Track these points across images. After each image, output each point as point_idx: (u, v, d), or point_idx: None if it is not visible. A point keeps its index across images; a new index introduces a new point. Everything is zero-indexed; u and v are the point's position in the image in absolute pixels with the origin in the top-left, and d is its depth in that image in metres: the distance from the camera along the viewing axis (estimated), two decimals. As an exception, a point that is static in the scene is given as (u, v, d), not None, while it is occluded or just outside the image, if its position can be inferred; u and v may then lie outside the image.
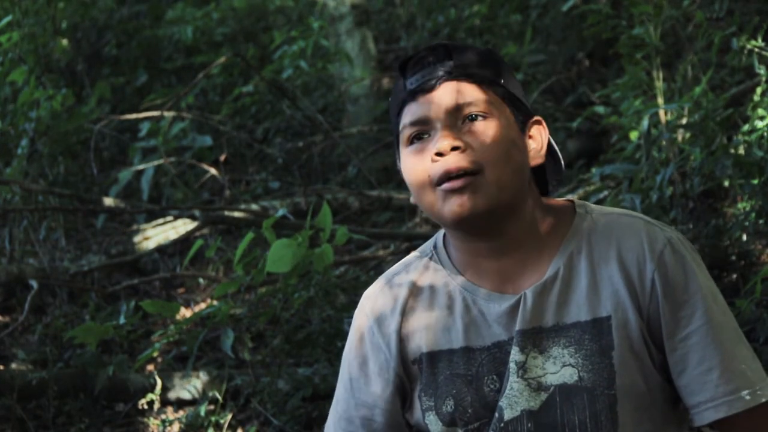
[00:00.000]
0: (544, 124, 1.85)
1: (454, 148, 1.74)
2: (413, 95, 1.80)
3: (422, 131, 1.78)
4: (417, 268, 1.88)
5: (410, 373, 1.85)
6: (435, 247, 1.89)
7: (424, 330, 1.84)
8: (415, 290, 1.86)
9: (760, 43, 4.11)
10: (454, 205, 1.74)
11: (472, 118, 1.76)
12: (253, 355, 4.30)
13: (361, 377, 1.89)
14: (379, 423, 1.88)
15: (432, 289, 1.85)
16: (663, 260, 1.75)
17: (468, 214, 1.74)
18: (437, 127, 1.77)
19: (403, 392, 1.87)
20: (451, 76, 1.78)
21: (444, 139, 1.75)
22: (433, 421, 1.83)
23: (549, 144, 1.86)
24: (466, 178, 1.73)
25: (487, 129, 1.76)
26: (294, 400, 3.97)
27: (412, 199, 1.85)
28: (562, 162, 1.89)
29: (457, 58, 1.80)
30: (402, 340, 1.85)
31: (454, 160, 1.74)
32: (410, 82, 1.80)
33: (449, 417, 1.81)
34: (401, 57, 8.13)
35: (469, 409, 1.80)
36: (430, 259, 1.88)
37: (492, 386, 1.79)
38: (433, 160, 1.75)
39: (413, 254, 1.92)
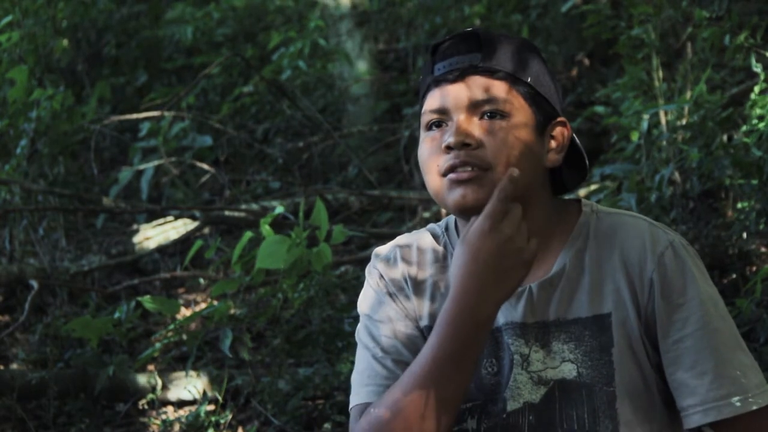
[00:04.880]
0: (568, 125, 1.84)
1: (465, 144, 1.75)
2: (437, 82, 1.80)
3: (440, 120, 1.79)
4: (427, 244, 1.90)
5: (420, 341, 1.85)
6: (447, 228, 1.90)
7: (429, 305, 1.85)
8: (423, 266, 1.88)
9: (757, 41, 4.11)
10: (457, 195, 1.75)
11: (491, 116, 1.76)
12: (253, 355, 4.30)
13: (388, 327, 1.87)
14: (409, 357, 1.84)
15: (441, 267, 1.87)
16: (663, 261, 1.75)
17: (470, 206, 1.75)
18: (454, 119, 1.77)
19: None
20: (477, 70, 1.78)
21: (456, 134, 1.75)
22: None
23: (574, 144, 1.86)
24: (473, 171, 1.74)
25: (502, 129, 1.76)
26: (294, 400, 3.97)
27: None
28: (587, 161, 1.88)
29: (487, 52, 1.79)
30: (411, 314, 1.86)
31: (463, 157, 1.75)
32: (437, 68, 1.81)
33: None
34: (401, 57, 8.15)
35: None
36: (442, 238, 1.89)
37: (490, 369, 1.80)
38: (444, 152, 1.76)
39: (424, 230, 1.93)
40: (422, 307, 1.86)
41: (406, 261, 1.89)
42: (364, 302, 1.91)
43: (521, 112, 1.78)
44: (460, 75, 1.78)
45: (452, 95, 1.78)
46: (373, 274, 1.91)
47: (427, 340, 1.80)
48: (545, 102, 1.81)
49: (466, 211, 1.77)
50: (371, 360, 1.85)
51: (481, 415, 1.80)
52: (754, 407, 1.72)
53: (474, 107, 1.77)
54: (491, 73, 1.78)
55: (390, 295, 1.88)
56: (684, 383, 1.74)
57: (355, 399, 1.84)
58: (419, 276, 1.87)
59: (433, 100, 1.80)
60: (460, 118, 1.77)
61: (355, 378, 1.87)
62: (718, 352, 1.73)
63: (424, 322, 1.85)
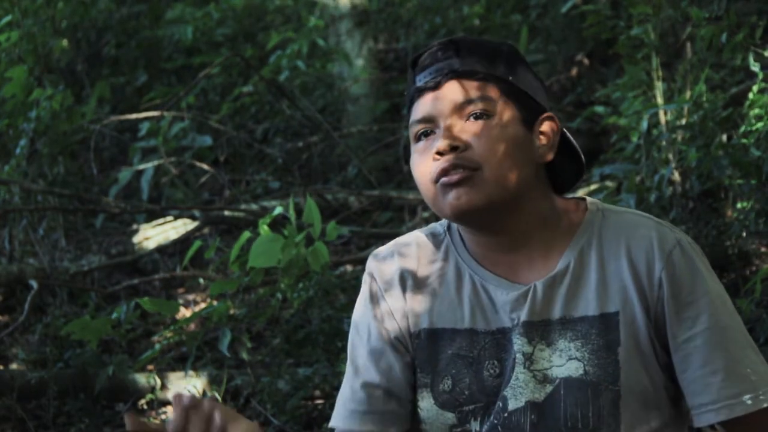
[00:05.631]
0: (556, 120, 1.84)
1: (453, 148, 1.76)
2: (420, 92, 1.82)
3: (428, 129, 1.80)
4: (429, 244, 1.89)
5: (410, 345, 1.86)
6: (449, 227, 1.90)
7: (429, 306, 1.85)
8: (424, 265, 1.88)
9: (756, 41, 4.11)
10: (451, 199, 1.76)
11: (476, 117, 1.77)
12: (253, 355, 4.31)
13: (365, 342, 1.88)
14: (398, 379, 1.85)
15: (441, 267, 1.86)
16: (672, 260, 1.75)
17: (465, 208, 1.75)
18: (440, 126, 1.78)
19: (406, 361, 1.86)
20: (457, 74, 1.79)
21: (444, 139, 1.76)
22: (425, 398, 1.83)
23: (567, 140, 1.86)
24: (464, 172, 1.75)
25: (488, 128, 1.77)
26: (294, 400, 3.97)
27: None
28: (582, 157, 1.89)
29: (465, 56, 1.80)
30: (405, 313, 1.86)
31: (452, 160, 1.76)
32: (418, 79, 1.83)
33: (444, 397, 1.81)
34: (401, 57, 8.16)
35: (466, 391, 1.80)
36: (443, 237, 1.89)
37: (492, 371, 1.80)
38: (434, 159, 1.77)
39: (425, 229, 1.93)
40: (420, 305, 1.85)
41: (404, 257, 1.88)
42: (355, 308, 1.92)
43: (506, 109, 1.79)
44: (440, 81, 1.80)
45: (435, 102, 1.80)
46: (366, 276, 1.91)
47: (426, 344, 1.82)
48: (529, 98, 1.82)
49: (461, 214, 1.77)
50: (346, 378, 1.88)
51: (483, 416, 1.80)
52: (765, 405, 1.72)
53: (458, 110, 1.78)
54: (471, 75, 1.80)
55: (378, 298, 1.88)
56: (695, 382, 1.74)
57: (332, 420, 1.88)
58: (418, 273, 1.87)
59: (417, 111, 1.82)
60: (447, 123, 1.78)
61: (338, 397, 1.90)
62: (729, 350, 1.74)
63: (423, 324, 1.85)
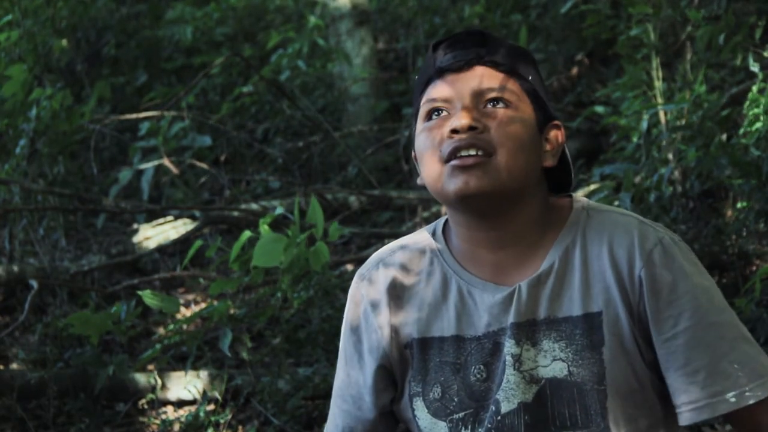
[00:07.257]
0: (562, 129, 1.86)
1: (471, 128, 1.75)
2: (441, 73, 1.81)
3: (443, 108, 1.80)
4: (414, 251, 1.89)
5: (403, 357, 1.86)
6: (434, 233, 1.89)
7: (417, 316, 1.84)
8: (410, 274, 1.87)
9: (756, 41, 4.11)
10: (459, 182, 1.74)
11: (495, 104, 1.78)
12: (253, 354, 4.31)
13: (354, 355, 1.90)
14: (368, 403, 1.89)
15: (427, 274, 1.86)
16: (652, 259, 1.75)
17: (472, 193, 1.74)
18: (458, 107, 1.78)
19: (389, 377, 1.88)
20: (483, 61, 1.80)
21: (463, 118, 1.75)
22: (420, 407, 1.83)
23: (563, 153, 1.87)
24: (478, 157, 1.74)
25: (507, 117, 1.77)
26: (294, 400, 3.97)
27: (419, 180, 1.85)
28: (572, 170, 1.89)
29: (492, 46, 1.81)
30: (394, 325, 1.86)
31: (468, 139, 1.75)
32: (441, 61, 1.82)
33: (435, 405, 1.82)
34: (401, 57, 8.16)
35: (455, 398, 1.80)
36: (428, 244, 1.88)
37: (479, 376, 1.80)
38: (448, 136, 1.76)
39: (410, 237, 1.92)
40: (408, 316, 1.85)
41: (388, 268, 1.88)
42: (343, 324, 1.94)
43: (524, 105, 1.80)
44: (465, 65, 1.80)
45: (458, 83, 1.79)
46: (354, 297, 1.92)
47: (418, 353, 1.83)
48: (543, 103, 1.83)
49: (466, 199, 1.75)
50: (340, 374, 1.94)
51: (474, 423, 1.80)
52: (752, 401, 1.71)
53: (479, 95, 1.78)
54: (497, 66, 1.80)
55: (368, 325, 1.88)
56: (677, 380, 1.73)
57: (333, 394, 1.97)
58: (404, 283, 1.86)
59: (436, 89, 1.81)
60: (466, 104, 1.77)
61: (334, 380, 1.96)
62: (714, 347, 1.72)
63: (414, 334, 1.84)
